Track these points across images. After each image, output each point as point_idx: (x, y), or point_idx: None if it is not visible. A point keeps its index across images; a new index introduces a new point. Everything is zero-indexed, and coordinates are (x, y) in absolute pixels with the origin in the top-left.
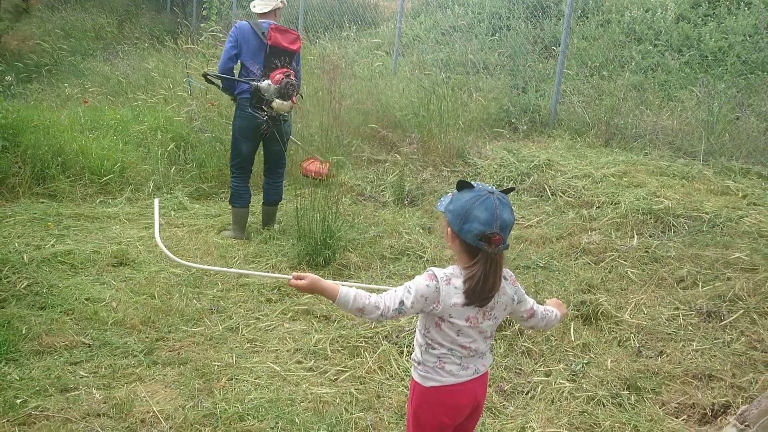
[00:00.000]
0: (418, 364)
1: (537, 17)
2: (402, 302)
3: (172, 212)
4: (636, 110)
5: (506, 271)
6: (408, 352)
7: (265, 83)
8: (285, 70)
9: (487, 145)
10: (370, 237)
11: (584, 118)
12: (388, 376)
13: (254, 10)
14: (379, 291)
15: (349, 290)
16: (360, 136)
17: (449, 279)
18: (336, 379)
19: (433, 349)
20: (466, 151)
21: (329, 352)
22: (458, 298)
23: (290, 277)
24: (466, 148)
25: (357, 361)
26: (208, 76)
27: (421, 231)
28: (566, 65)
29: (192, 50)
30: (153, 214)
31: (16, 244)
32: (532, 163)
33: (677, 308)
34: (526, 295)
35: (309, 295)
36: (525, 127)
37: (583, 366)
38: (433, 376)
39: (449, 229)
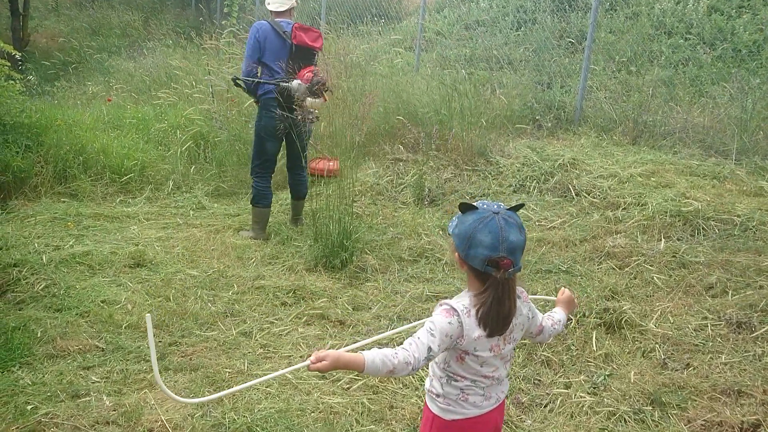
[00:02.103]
0: (438, 396)
1: (563, 10)
2: (429, 348)
3: (191, 212)
4: (665, 107)
5: (518, 289)
6: None
7: (295, 83)
8: (312, 68)
9: (510, 143)
10: (389, 238)
11: (611, 115)
12: (401, 385)
13: (270, 8)
14: (389, 338)
15: (374, 357)
16: (380, 134)
17: (469, 310)
18: (348, 388)
19: (456, 381)
20: (489, 150)
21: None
22: (481, 331)
23: (308, 362)
24: (489, 146)
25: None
26: (237, 80)
27: (441, 232)
28: (593, 60)
29: (214, 48)
30: (148, 334)
31: (36, 245)
32: (557, 162)
33: (705, 318)
34: (536, 310)
35: (324, 299)
36: (549, 124)
37: (604, 378)
38: (456, 409)
39: (456, 254)
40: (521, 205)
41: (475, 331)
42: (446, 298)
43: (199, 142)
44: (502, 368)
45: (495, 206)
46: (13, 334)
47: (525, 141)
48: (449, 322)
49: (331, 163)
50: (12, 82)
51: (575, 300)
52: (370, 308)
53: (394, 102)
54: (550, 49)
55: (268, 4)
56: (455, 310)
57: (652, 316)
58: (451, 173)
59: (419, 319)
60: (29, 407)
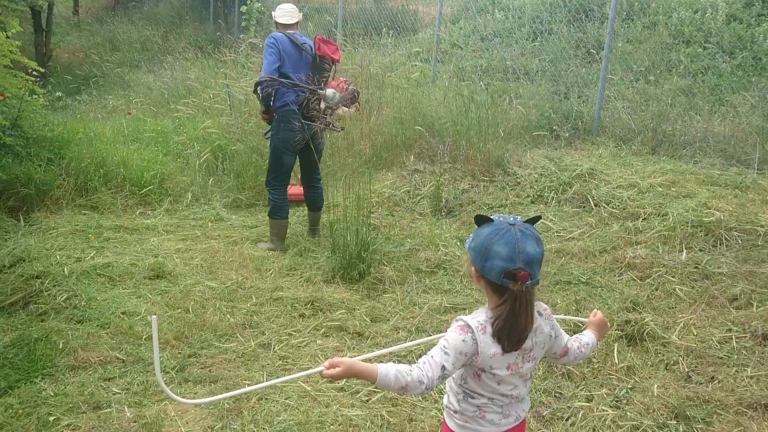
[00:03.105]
0: (455, 412)
1: (579, 20)
2: (443, 367)
3: (210, 223)
4: (685, 116)
5: (540, 305)
6: None
7: (330, 92)
8: (344, 78)
9: (528, 153)
10: (406, 250)
11: (629, 125)
12: (420, 398)
13: (280, 21)
14: (409, 355)
15: (388, 370)
16: (397, 146)
17: (485, 327)
18: (367, 401)
19: (473, 398)
20: (506, 160)
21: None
22: (497, 347)
23: (322, 368)
24: (506, 157)
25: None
26: (260, 83)
27: (459, 243)
28: (610, 70)
29: (232, 60)
30: (152, 334)
31: (58, 257)
32: (575, 172)
33: (730, 330)
34: (561, 330)
35: (342, 311)
36: (567, 134)
37: (627, 391)
38: (473, 426)
39: (473, 268)
40: (538, 217)
41: (490, 348)
42: (464, 310)
43: (218, 154)
44: (521, 387)
45: (511, 218)
46: (36, 345)
47: (542, 151)
48: (463, 340)
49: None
50: (35, 96)
51: (608, 323)
52: (389, 320)
53: (410, 113)
54: (567, 59)
55: (279, 17)
56: (470, 326)
57: (675, 328)
58: (468, 184)
59: (438, 332)
60: (52, 418)
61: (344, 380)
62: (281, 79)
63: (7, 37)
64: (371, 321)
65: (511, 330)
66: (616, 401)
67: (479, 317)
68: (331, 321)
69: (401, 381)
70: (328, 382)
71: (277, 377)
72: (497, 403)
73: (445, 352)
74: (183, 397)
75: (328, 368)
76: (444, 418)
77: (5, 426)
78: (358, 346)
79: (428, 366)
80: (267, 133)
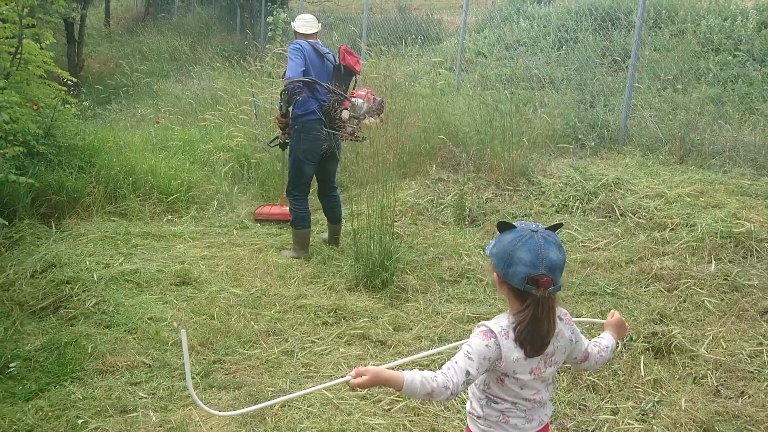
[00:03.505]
0: (478, 418)
1: (606, 29)
2: (467, 372)
3: (235, 231)
4: (714, 125)
5: (560, 310)
6: None
7: (359, 101)
8: (368, 90)
9: (553, 162)
10: (429, 258)
11: (657, 134)
12: (443, 408)
13: (300, 30)
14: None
15: (414, 377)
16: (420, 154)
17: (507, 332)
18: (390, 409)
19: (496, 403)
20: (530, 170)
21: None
22: (519, 352)
23: (349, 377)
24: (530, 166)
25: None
26: (287, 87)
27: (482, 253)
28: (637, 78)
29: (258, 70)
30: (181, 340)
31: (87, 263)
32: (600, 182)
33: (761, 343)
34: (581, 335)
35: (365, 319)
36: (593, 143)
37: (654, 405)
38: (497, 431)
39: (495, 274)
40: (560, 225)
41: (513, 353)
42: (486, 319)
43: (243, 162)
44: (544, 391)
45: (533, 225)
46: (66, 349)
47: (567, 160)
48: (486, 345)
49: (272, 209)
50: (68, 106)
51: (626, 324)
52: (411, 329)
53: (434, 122)
54: (593, 68)
55: (299, 26)
56: (493, 332)
57: (704, 341)
58: (492, 193)
59: (460, 340)
60: (80, 421)
61: (366, 389)
62: (309, 78)
63: (41, 48)
64: (394, 330)
65: (534, 335)
66: (643, 415)
67: (501, 322)
68: (354, 329)
69: (427, 387)
70: (350, 390)
71: (300, 384)
72: (520, 407)
73: (469, 358)
74: (214, 409)
75: (354, 377)
76: (467, 424)
77: (36, 428)
78: (380, 354)
79: (453, 372)
80: (272, 141)
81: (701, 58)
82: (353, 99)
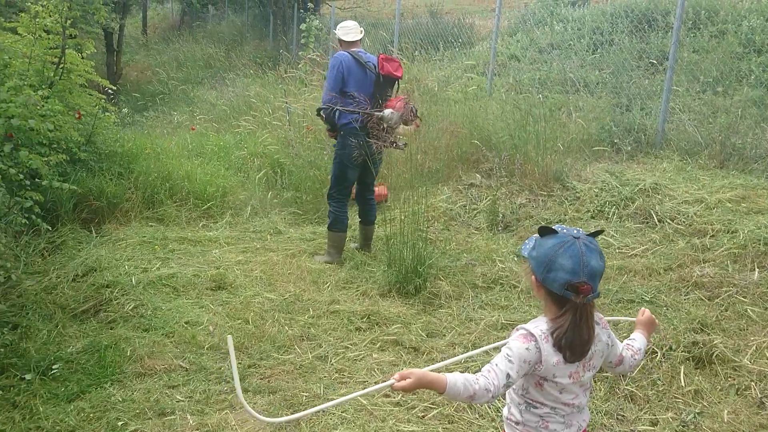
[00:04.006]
0: (517, 424)
1: (642, 31)
2: (508, 375)
3: (269, 236)
4: (756, 128)
5: (596, 315)
6: None
7: (388, 112)
8: (402, 97)
9: (588, 167)
10: (462, 264)
11: (696, 138)
12: (477, 415)
13: (345, 38)
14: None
15: (456, 379)
16: (453, 160)
17: (547, 336)
18: (423, 416)
19: (535, 408)
20: (565, 175)
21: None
22: (558, 356)
23: (393, 381)
24: (565, 171)
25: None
26: (321, 110)
27: (516, 259)
28: (675, 81)
29: (291, 77)
30: (229, 354)
31: (126, 267)
32: (637, 187)
33: None
34: (616, 339)
35: (398, 325)
36: (629, 148)
37: (695, 416)
38: None
39: (533, 276)
40: (601, 231)
41: (553, 357)
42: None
43: (276, 168)
44: (582, 396)
45: (575, 231)
46: (106, 352)
47: (603, 165)
48: (527, 348)
49: (377, 189)
50: (107, 114)
51: (656, 321)
52: (445, 335)
53: (467, 127)
54: (629, 71)
55: (345, 34)
56: (533, 335)
57: (747, 351)
58: (526, 198)
59: (495, 348)
60: (120, 423)
61: (400, 395)
62: (338, 107)
63: (83, 57)
64: (427, 336)
65: (574, 341)
66: (683, 426)
67: (541, 326)
68: (387, 335)
69: (469, 390)
70: (384, 396)
71: (334, 390)
72: (559, 412)
73: (509, 361)
74: (263, 415)
75: (398, 380)
76: (504, 431)
77: (78, 429)
78: (414, 361)
79: (493, 374)
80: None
81: (743, 59)
82: (384, 111)
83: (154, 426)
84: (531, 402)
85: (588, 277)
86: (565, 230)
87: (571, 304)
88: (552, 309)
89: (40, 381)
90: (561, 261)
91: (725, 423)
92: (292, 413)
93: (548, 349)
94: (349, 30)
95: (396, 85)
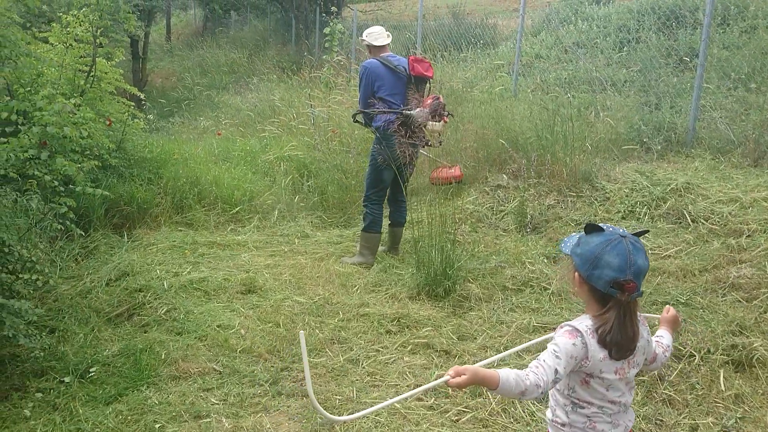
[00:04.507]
0: (563, 425)
1: (670, 28)
2: (556, 371)
3: (296, 240)
4: None
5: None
6: None
7: (417, 111)
8: (432, 96)
9: (617, 167)
10: (491, 267)
11: (728, 136)
12: (512, 419)
13: (375, 43)
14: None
15: (508, 375)
16: (479, 161)
17: (593, 331)
18: (457, 420)
19: (582, 408)
20: (594, 175)
21: (450, 390)
22: (604, 352)
23: (448, 377)
24: (594, 171)
25: (479, 402)
26: (356, 115)
27: (546, 261)
28: (705, 78)
29: (315, 79)
30: (301, 350)
31: (158, 271)
32: (669, 187)
33: None
34: (650, 336)
35: (428, 328)
36: (659, 147)
37: (736, 421)
38: None
39: (576, 273)
40: (646, 231)
41: (599, 353)
42: (553, 329)
43: (303, 172)
44: (627, 394)
45: (621, 230)
46: (141, 355)
47: (633, 165)
48: (573, 344)
49: (452, 170)
50: (136, 120)
51: (680, 319)
52: (476, 338)
53: (493, 128)
54: (657, 68)
55: (375, 39)
56: (579, 331)
57: None
58: (554, 200)
59: (527, 351)
60: (157, 426)
61: (433, 398)
62: (367, 110)
63: (112, 66)
64: (458, 339)
65: (621, 339)
66: (725, 431)
67: (585, 322)
68: (417, 338)
69: (521, 386)
70: (417, 400)
71: (367, 393)
72: (606, 411)
73: (557, 356)
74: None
75: (453, 377)
76: None
77: (116, 431)
78: (445, 364)
79: (542, 370)
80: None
81: None
82: (407, 112)
83: (191, 429)
84: (577, 402)
85: (634, 276)
86: (611, 228)
87: (615, 302)
88: (594, 306)
89: (79, 384)
90: (608, 258)
91: None
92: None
93: (594, 344)
94: (378, 35)
95: (428, 85)
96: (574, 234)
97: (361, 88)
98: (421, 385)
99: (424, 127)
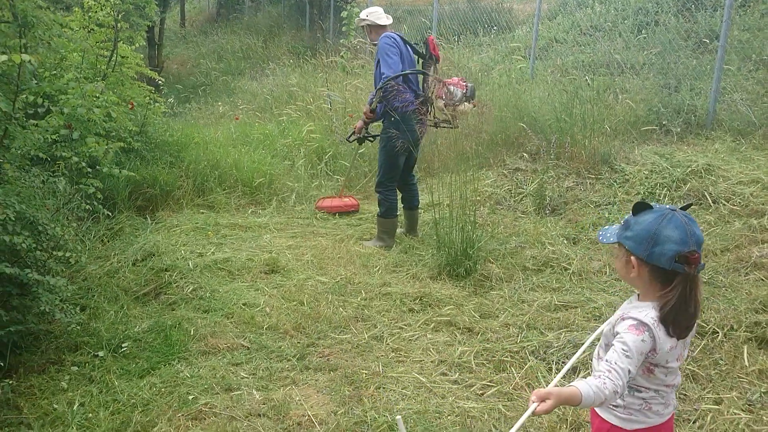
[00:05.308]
0: (616, 407)
1: (689, 10)
2: (629, 371)
3: (315, 222)
4: None
5: None
6: (557, 369)
7: (454, 89)
8: (460, 77)
9: (636, 149)
10: (512, 247)
11: (749, 118)
12: None
13: (379, 22)
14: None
15: (588, 390)
16: (497, 144)
17: (658, 322)
18: (482, 394)
19: (639, 392)
20: (612, 157)
21: (474, 366)
22: (672, 341)
23: (535, 405)
24: (612, 153)
25: (503, 376)
26: (386, 83)
27: (566, 241)
28: (726, 60)
29: (332, 64)
30: None
31: (183, 252)
32: (689, 168)
33: None
34: None
35: (450, 306)
36: (678, 129)
37: (761, 395)
38: (639, 418)
39: (633, 257)
40: (691, 204)
41: (667, 343)
42: (576, 309)
43: (321, 155)
44: (679, 375)
45: (668, 206)
46: (171, 331)
47: (652, 147)
48: (642, 340)
49: (347, 200)
50: (157, 104)
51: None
52: (498, 316)
53: (511, 111)
54: (677, 51)
55: (376, 19)
56: (645, 324)
57: None
58: (573, 182)
59: (550, 329)
60: (191, 397)
61: (457, 373)
62: (412, 71)
63: (133, 50)
64: (480, 317)
65: (679, 316)
66: (749, 405)
67: (649, 313)
68: (440, 316)
69: (601, 396)
70: (442, 375)
71: (392, 368)
72: (662, 394)
73: (627, 356)
74: None
75: (536, 401)
76: (597, 414)
77: (152, 402)
78: (468, 341)
79: (616, 375)
80: (350, 135)
81: None
82: (450, 87)
83: (223, 400)
84: (635, 387)
85: (697, 245)
86: (657, 205)
87: (681, 278)
88: (656, 287)
89: (112, 358)
90: (667, 233)
91: None
92: (353, 390)
93: (662, 335)
94: (380, 14)
95: (434, 67)
96: (610, 225)
97: (389, 58)
98: (441, 353)
99: (457, 107)
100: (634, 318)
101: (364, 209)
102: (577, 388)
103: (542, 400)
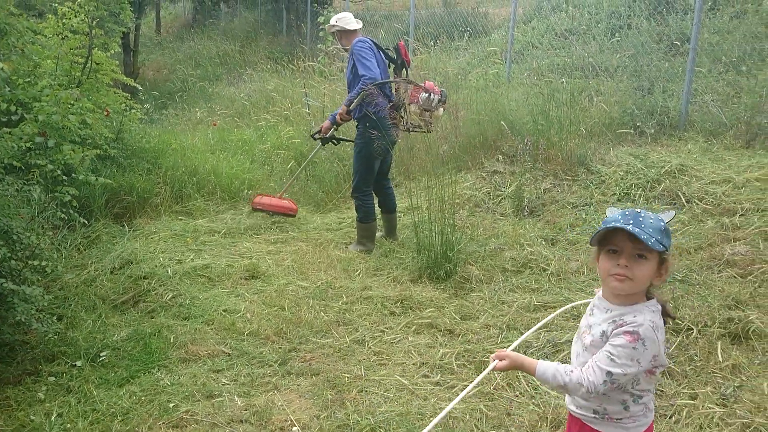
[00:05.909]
0: (620, 420)
1: (660, 13)
2: (608, 372)
3: (296, 227)
4: None
5: None
6: None
7: (425, 95)
8: (430, 83)
9: (611, 151)
10: (491, 249)
11: (720, 119)
12: (517, 393)
13: (349, 27)
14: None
15: (547, 367)
16: (475, 147)
17: (656, 326)
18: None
19: (641, 398)
20: (589, 159)
21: (455, 367)
22: (663, 336)
23: (494, 364)
24: (588, 155)
25: (484, 377)
26: (371, 86)
27: (544, 243)
28: (697, 62)
29: (309, 69)
30: None
31: (161, 259)
32: (663, 169)
33: None
34: None
35: (431, 309)
36: (652, 130)
37: (734, 389)
38: (643, 421)
39: (668, 261)
40: (674, 215)
41: (663, 345)
42: (554, 308)
43: (300, 160)
44: None
45: (622, 210)
46: (150, 339)
47: (627, 149)
48: (634, 348)
49: (284, 202)
50: (133, 111)
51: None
52: (478, 318)
53: (488, 114)
54: (649, 54)
55: (345, 24)
56: (639, 334)
57: None
58: (551, 183)
59: (529, 329)
60: (171, 405)
61: (439, 374)
62: (393, 80)
63: (108, 57)
64: (461, 319)
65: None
66: (723, 399)
67: (654, 317)
68: (421, 319)
69: (558, 380)
70: (424, 377)
71: (374, 371)
72: (653, 390)
73: (611, 359)
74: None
75: (496, 359)
76: (588, 425)
77: (132, 411)
78: (449, 343)
79: (591, 371)
80: (316, 133)
81: (765, 38)
82: (429, 93)
83: (204, 407)
84: (638, 394)
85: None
86: (617, 210)
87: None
88: (653, 278)
89: (91, 367)
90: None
91: (766, 395)
92: (336, 394)
93: (661, 337)
94: (349, 20)
95: (405, 72)
96: (615, 212)
97: (365, 61)
98: (423, 355)
99: (433, 112)
100: (631, 326)
101: (343, 215)
102: (537, 363)
103: (500, 358)
